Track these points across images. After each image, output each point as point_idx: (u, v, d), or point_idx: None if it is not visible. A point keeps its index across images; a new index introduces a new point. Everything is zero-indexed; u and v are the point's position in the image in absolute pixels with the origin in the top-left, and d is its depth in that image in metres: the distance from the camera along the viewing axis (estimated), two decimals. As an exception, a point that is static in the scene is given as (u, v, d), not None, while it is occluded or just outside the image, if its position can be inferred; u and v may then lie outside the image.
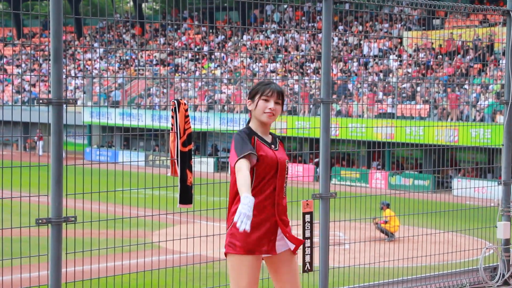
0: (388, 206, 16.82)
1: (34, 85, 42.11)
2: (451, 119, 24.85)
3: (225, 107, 27.12)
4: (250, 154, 4.38)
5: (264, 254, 4.57)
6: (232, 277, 4.53)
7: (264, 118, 4.56)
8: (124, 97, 35.02)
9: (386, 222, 16.87)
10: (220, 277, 6.66)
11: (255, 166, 4.49)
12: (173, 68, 37.63)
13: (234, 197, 4.55)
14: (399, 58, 29.77)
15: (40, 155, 32.15)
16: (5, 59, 47.14)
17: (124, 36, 46.59)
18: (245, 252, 4.50)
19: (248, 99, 4.64)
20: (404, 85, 27.61)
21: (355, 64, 32.17)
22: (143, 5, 50.48)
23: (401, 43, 32.91)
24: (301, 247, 5.50)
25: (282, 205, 4.60)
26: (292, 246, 4.66)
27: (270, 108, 4.54)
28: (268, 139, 4.63)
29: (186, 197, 5.60)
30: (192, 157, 5.70)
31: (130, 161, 6.15)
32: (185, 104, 5.65)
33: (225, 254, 4.60)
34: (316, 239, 5.76)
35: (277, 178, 4.56)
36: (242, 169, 4.32)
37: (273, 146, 4.62)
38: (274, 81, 4.97)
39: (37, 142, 36.26)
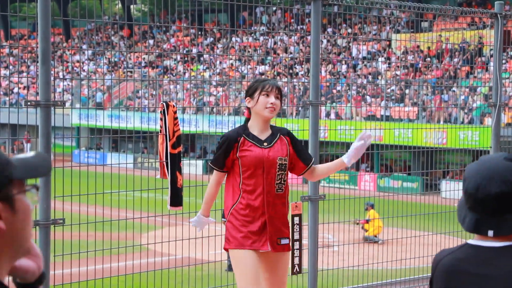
0: (372, 207, 16.80)
1: (27, 88, 41.95)
2: (439, 121, 24.93)
3: (214, 109, 27.08)
4: (215, 168, 4.76)
5: (257, 249, 4.62)
6: (235, 271, 4.71)
7: (266, 113, 4.68)
8: (112, 98, 34.95)
9: (368, 221, 16.83)
10: (209, 279, 6.65)
11: (241, 164, 4.65)
12: (161, 70, 37.58)
13: (228, 191, 4.75)
14: (388, 61, 29.84)
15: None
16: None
17: (112, 38, 46.51)
18: (236, 246, 4.65)
19: (246, 97, 4.75)
20: (393, 88, 27.69)
21: (344, 66, 32.22)
22: (131, 7, 50.41)
23: (389, 45, 32.99)
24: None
25: (274, 203, 4.67)
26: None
27: (271, 103, 4.66)
28: (265, 135, 4.73)
29: (176, 199, 5.60)
30: (181, 159, 5.70)
31: (119, 163, 6.13)
32: (174, 106, 5.64)
33: (225, 249, 4.80)
34: (305, 241, 5.76)
35: (264, 175, 4.63)
36: (210, 184, 4.81)
37: (265, 143, 4.70)
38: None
39: (25, 144, 36.11)
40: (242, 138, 4.69)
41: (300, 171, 4.85)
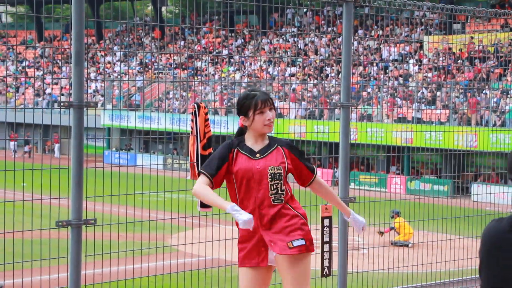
0: (398, 214, 16.71)
1: (60, 88, 42.36)
2: (469, 123, 24.72)
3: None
4: (205, 174, 4.47)
5: (256, 266, 4.60)
6: None
7: (266, 129, 4.56)
8: (143, 100, 35.17)
9: (392, 229, 16.77)
10: (238, 281, 6.64)
11: (234, 179, 4.52)
12: (192, 72, 37.72)
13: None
14: (419, 63, 29.67)
15: (57, 158, 32.39)
16: (26, 62, 47.46)
17: (143, 39, 46.78)
18: (240, 264, 4.64)
19: (239, 115, 4.60)
20: (423, 90, 27.51)
21: (375, 68, 32.09)
22: (162, 8, 50.68)
23: (421, 47, 32.79)
24: (319, 251, 5.49)
25: (269, 215, 4.53)
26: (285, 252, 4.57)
27: (269, 119, 4.54)
28: (259, 146, 4.60)
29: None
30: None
31: (150, 164, 6.18)
32: (205, 107, 5.66)
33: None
34: (334, 244, 5.75)
35: (256, 188, 4.52)
36: (201, 185, 4.45)
37: (258, 154, 4.57)
38: (256, 87, 4.98)
39: (55, 145, 36.54)
40: (236, 150, 4.56)
41: (306, 182, 4.73)
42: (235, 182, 4.54)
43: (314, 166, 4.81)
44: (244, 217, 4.28)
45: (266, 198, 4.53)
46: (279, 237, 4.56)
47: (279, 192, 4.56)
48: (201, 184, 4.48)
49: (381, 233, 16.14)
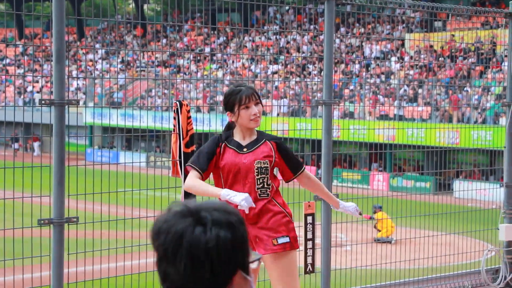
0: (380, 209, 16.74)
1: (41, 87, 42.13)
2: (451, 120, 24.86)
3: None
4: (195, 168, 4.50)
5: None
6: None
7: (252, 124, 4.57)
8: (125, 97, 35.06)
9: (371, 218, 16.75)
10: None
11: (221, 173, 4.55)
12: (174, 69, 37.61)
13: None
14: (401, 61, 29.77)
15: (35, 156, 32.26)
16: (7, 60, 47.13)
17: (125, 37, 46.61)
18: None
19: (226, 111, 4.62)
20: (405, 88, 27.62)
21: (357, 66, 32.17)
22: (144, 6, 50.50)
23: (402, 45, 32.91)
24: (303, 248, 5.50)
25: (255, 210, 4.52)
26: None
27: (254, 114, 4.53)
28: (247, 141, 4.62)
29: (190, 197, 5.60)
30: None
31: (132, 162, 6.16)
32: (187, 105, 5.65)
33: None
34: (317, 241, 5.77)
35: (242, 182, 4.53)
36: (193, 179, 4.49)
37: (245, 149, 4.59)
38: (242, 82, 4.95)
39: (34, 143, 36.38)
40: (224, 144, 4.58)
41: (287, 178, 4.75)
42: (222, 176, 4.56)
43: (300, 163, 4.82)
44: (240, 197, 4.28)
45: (252, 192, 4.52)
46: (265, 233, 4.56)
47: (265, 186, 4.57)
48: (193, 178, 4.50)
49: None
